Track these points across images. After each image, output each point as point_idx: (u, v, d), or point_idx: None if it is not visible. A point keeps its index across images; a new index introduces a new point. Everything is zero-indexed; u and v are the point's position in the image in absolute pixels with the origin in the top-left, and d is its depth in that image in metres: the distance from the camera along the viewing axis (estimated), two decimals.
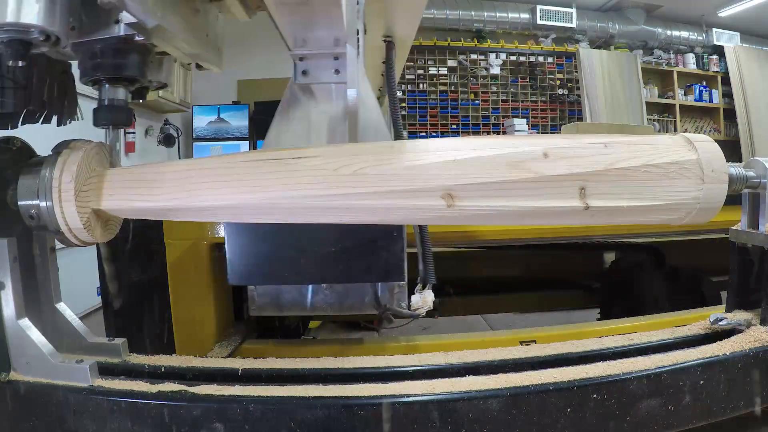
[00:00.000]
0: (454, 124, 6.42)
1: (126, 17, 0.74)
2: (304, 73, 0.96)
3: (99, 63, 0.77)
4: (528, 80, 6.50)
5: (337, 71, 0.95)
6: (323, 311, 1.12)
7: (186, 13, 0.84)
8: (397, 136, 1.13)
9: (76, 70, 0.86)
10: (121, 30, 0.75)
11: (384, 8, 1.07)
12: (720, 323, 0.97)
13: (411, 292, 1.06)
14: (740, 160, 1.01)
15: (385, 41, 1.30)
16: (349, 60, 0.89)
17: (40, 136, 0.88)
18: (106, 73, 0.78)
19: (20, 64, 0.68)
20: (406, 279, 1.03)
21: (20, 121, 0.86)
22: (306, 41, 0.93)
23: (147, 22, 0.73)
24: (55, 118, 0.95)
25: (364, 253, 0.96)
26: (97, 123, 0.80)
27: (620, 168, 0.72)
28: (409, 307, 1.06)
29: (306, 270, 0.96)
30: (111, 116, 0.79)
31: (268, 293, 1.11)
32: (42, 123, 0.92)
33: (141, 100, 0.93)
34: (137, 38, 0.76)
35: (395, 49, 1.31)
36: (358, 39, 0.94)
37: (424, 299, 1.04)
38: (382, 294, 1.10)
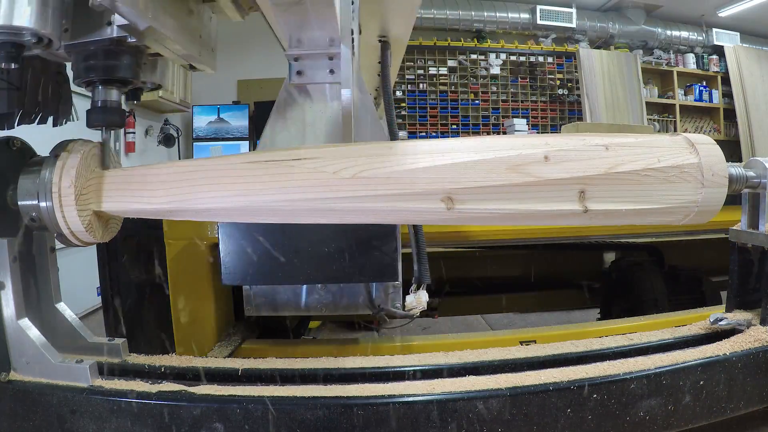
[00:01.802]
0: (454, 124, 6.42)
1: (118, 19, 0.74)
2: (299, 73, 0.96)
3: (92, 65, 0.77)
4: (528, 80, 6.50)
5: (332, 71, 0.95)
6: (318, 311, 1.11)
7: (178, 15, 0.84)
8: (392, 136, 1.14)
9: (70, 71, 0.86)
10: (113, 32, 0.75)
11: (378, 9, 1.08)
12: (720, 323, 0.97)
13: (406, 292, 1.05)
14: (740, 160, 1.02)
15: (380, 41, 1.30)
16: (344, 60, 0.89)
17: (39, 136, 0.88)
18: (99, 74, 0.78)
19: (12, 66, 0.68)
20: (400, 279, 1.03)
21: (15, 121, 0.86)
22: (300, 41, 0.93)
23: (139, 24, 0.73)
24: (50, 119, 0.95)
25: (358, 253, 0.96)
26: (90, 124, 0.80)
27: (620, 172, 0.71)
28: (403, 307, 1.05)
29: (300, 270, 0.96)
30: (104, 117, 0.79)
31: (264, 293, 1.10)
32: (38, 123, 0.92)
33: (135, 101, 0.92)
34: (129, 40, 0.76)
35: (390, 48, 1.32)
36: (353, 39, 0.94)
37: (418, 299, 1.03)
38: (376, 294, 1.10)
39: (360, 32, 1.05)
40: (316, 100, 0.98)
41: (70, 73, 0.88)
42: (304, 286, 1.08)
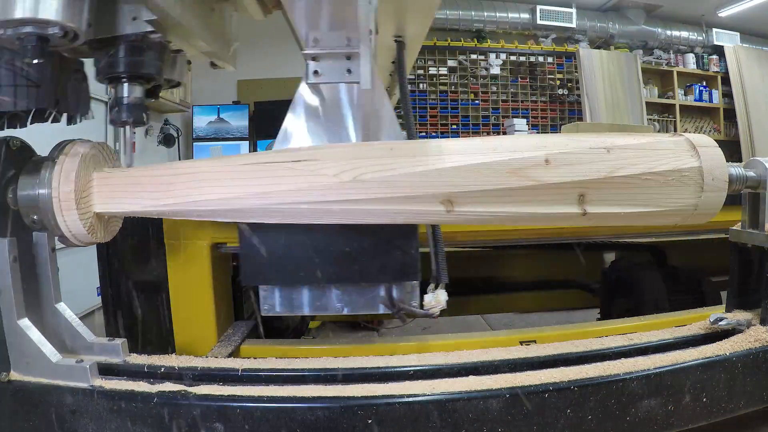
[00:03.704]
0: (454, 124, 6.42)
1: (144, 14, 0.72)
2: (316, 72, 0.95)
3: (117, 60, 0.75)
4: (528, 80, 6.50)
5: (349, 71, 0.94)
6: (335, 311, 1.08)
7: (202, 11, 0.83)
8: (410, 136, 1.12)
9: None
10: (139, 27, 0.73)
11: (396, 8, 1.06)
12: (720, 323, 0.97)
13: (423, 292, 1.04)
14: (740, 160, 1.02)
15: (396, 41, 1.28)
16: (362, 59, 0.88)
17: (39, 136, 0.88)
18: (125, 70, 0.76)
19: (36, 61, 0.66)
20: (419, 278, 1.01)
21: (29, 120, 0.85)
22: (318, 41, 0.92)
23: (167, 19, 0.71)
24: (64, 117, 0.92)
25: (378, 253, 0.94)
26: (114, 121, 0.78)
27: (621, 176, 0.71)
28: (422, 306, 1.04)
29: (320, 270, 0.94)
30: (129, 114, 0.77)
31: (282, 293, 1.07)
32: (51, 122, 0.89)
33: (153, 99, 0.91)
34: (154, 36, 0.75)
35: (406, 49, 1.29)
36: (370, 39, 0.94)
37: (437, 298, 1.01)
38: (395, 294, 1.06)
39: (377, 32, 1.04)
40: (333, 100, 0.98)
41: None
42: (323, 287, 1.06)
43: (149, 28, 0.74)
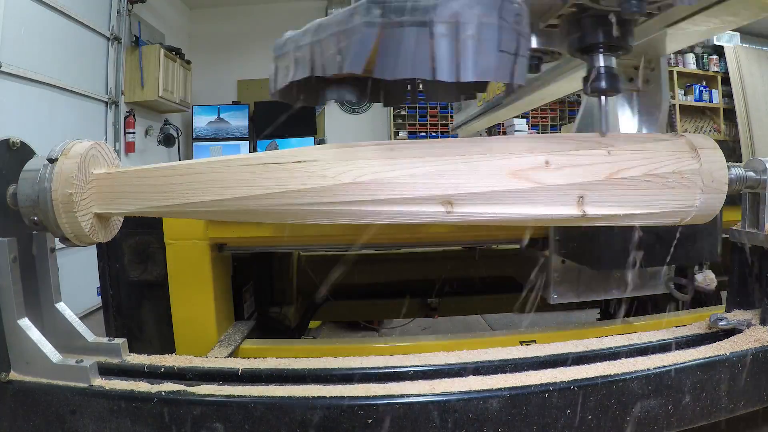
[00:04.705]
0: None
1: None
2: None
3: (608, 30, 0.77)
4: None
5: (631, 79, 1.21)
6: (618, 294, 1.31)
7: None
8: (672, 128, 1.36)
9: None
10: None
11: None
12: (720, 323, 0.97)
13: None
14: (740, 160, 1.06)
15: None
16: (663, 70, 1.16)
17: (38, 135, 0.88)
18: (616, 41, 0.77)
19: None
20: (719, 260, 1.19)
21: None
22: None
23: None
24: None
25: (689, 239, 1.13)
26: (592, 90, 0.80)
27: (620, 178, 0.71)
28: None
29: (652, 255, 1.12)
30: (608, 84, 0.78)
31: (568, 280, 1.30)
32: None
33: (537, 73, 0.95)
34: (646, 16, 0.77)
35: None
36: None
37: (708, 277, 1.20)
38: (666, 275, 1.31)
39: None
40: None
41: None
42: (605, 273, 1.31)
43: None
